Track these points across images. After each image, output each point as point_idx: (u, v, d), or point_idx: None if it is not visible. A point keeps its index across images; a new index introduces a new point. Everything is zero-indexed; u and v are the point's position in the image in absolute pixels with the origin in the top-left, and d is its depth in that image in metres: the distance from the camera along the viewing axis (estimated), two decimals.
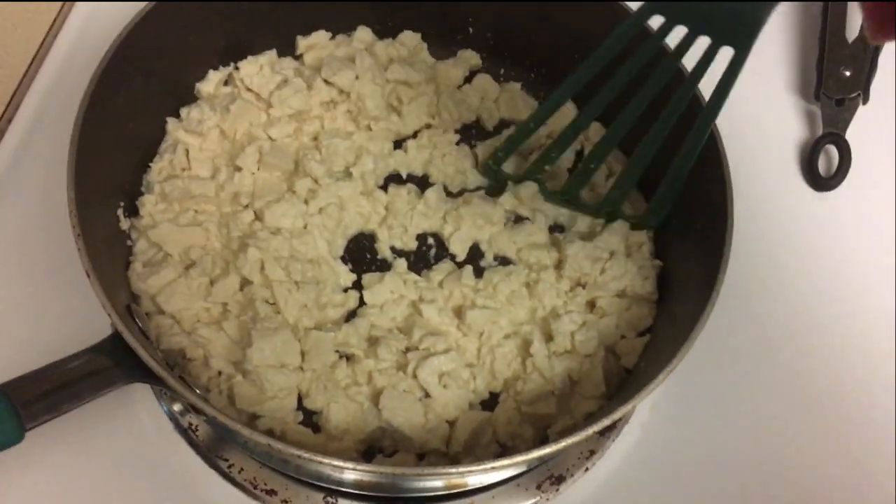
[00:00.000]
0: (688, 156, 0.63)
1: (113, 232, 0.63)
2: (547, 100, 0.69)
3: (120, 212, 0.64)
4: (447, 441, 0.60)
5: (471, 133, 0.76)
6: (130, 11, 0.63)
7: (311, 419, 0.60)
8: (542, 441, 0.61)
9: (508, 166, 0.72)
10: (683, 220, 0.66)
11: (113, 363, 0.52)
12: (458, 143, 0.74)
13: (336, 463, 0.49)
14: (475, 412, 0.61)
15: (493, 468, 0.50)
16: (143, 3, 0.63)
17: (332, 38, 0.76)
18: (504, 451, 0.60)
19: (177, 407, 0.59)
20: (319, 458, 0.49)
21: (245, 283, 0.64)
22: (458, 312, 0.65)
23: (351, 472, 0.54)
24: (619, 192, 0.68)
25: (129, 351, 0.51)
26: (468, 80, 0.78)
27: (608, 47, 0.62)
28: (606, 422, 0.52)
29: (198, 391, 0.57)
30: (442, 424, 0.60)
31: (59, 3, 0.81)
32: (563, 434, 0.57)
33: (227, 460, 0.61)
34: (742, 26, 0.54)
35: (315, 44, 0.75)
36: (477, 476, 0.58)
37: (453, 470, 0.51)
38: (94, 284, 0.52)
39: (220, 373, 0.60)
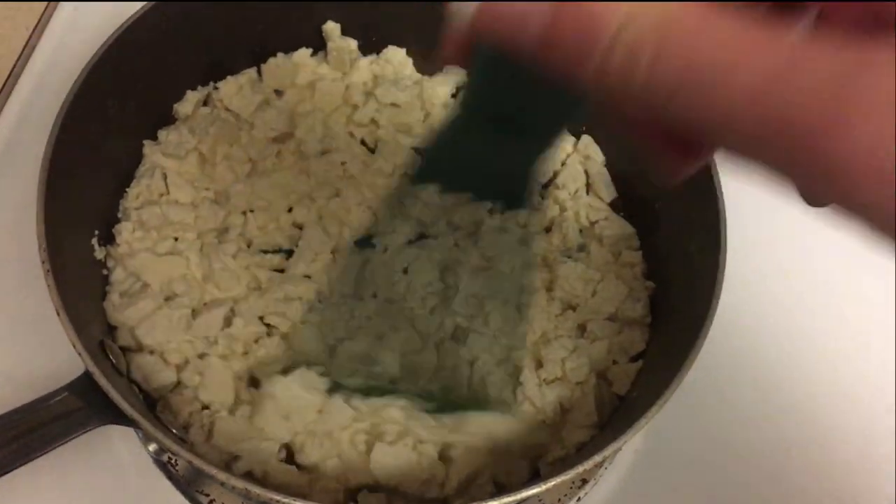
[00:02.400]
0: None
1: (87, 261, 0.61)
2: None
3: (94, 240, 0.62)
4: (442, 485, 0.58)
5: None
6: (117, 15, 0.62)
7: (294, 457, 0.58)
8: (535, 472, 0.59)
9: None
10: (676, 240, 0.64)
11: (85, 404, 0.50)
12: None
13: None
14: (472, 454, 0.59)
15: None
16: (118, 23, 0.61)
17: (314, 54, 0.74)
18: (496, 488, 0.58)
19: (152, 447, 0.57)
20: (299, 503, 0.47)
21: (230, 317, 0.62)
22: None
23: None
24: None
25: (102, 391, 0.49)
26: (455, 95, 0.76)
27: None
28: (598, 458, 0.50)
29: (175, 430, 0.55)
30: (438, 469, 0.58)
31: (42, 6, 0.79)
32: (553, 469, 0.56)
33: (207, 495, 0.59)
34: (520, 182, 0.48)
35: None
36: None
37: None
38: (64, 323, 0.50)
39: (204, 407, 0.58)
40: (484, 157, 0.43)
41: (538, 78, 0.28)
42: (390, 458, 0.57)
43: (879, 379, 0.69)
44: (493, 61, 0.31)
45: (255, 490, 0.47)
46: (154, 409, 0.58)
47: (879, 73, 0.23)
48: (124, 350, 0.60)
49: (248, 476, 0.54)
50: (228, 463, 0.55)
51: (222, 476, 0.48)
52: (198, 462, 0.48)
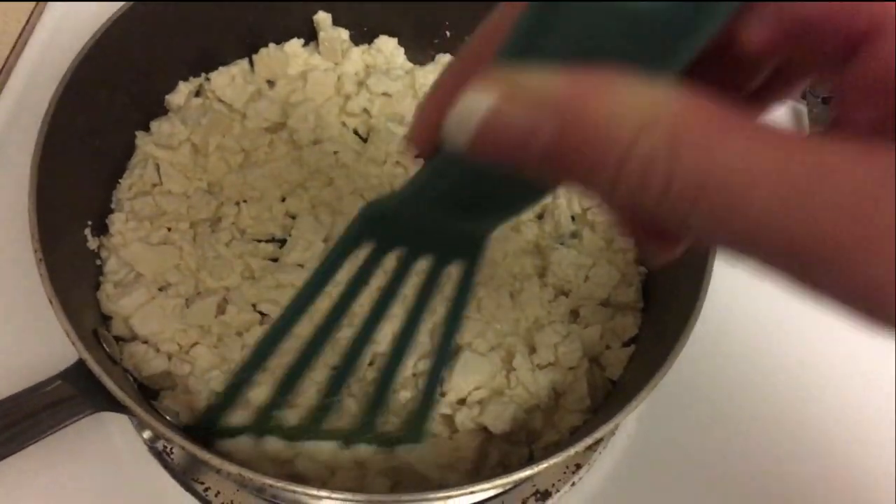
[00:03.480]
0: (434, 376, 0.54)
1: (80, 252, 0.61)
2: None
3: (88, 231, 0.62)
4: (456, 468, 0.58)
5: None
6: (105, 13, 0.62)
7: None
8: (530, 457, 0.60)
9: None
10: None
11: (78, 392, 0.51)
12: None
13: (309, 492, 0.48)
14: (472, 434, 0.59)
15: (471, 492, 0.49)
16: (108, 14, 0.61)
17: (306, 44, 0.75)
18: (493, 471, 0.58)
19: (146, 434, 0.57)
20: (292, 488, 0.48)
21: (224, 305, 0.62)
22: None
23: (328, 500, 0.53)
24: (426, 411, 0.56)
25: (95, 379, 0.49)
26: None
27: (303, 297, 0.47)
28: (588, 441, 0.51)
29: (168, 417, 0.55)
30: (454, 453, 0.58)
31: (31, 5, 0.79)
32: (546, 452, 0.56)
33: (203, 483, 0.60)
34: (471, 240, 0.42)
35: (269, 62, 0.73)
36: (459, 499, 0.57)
37: (432, 495, 0.50)
38: (57, 311, 0.50)
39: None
40: (442, 229, 0.40)
41: (511, 179, 0.26)
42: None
43: (873, 354, 0.69)
44: (462, 162, 0.28)
45: (250, 476, 0.48)
46: (154, 398, 0.59)
47: None
48: (118, 339, 0.60)
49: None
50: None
51: (216, 462, 0.48)
52: (191, 448, 0.48)
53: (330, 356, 0.53)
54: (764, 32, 0.25)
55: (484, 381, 0.61)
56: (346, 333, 0.51)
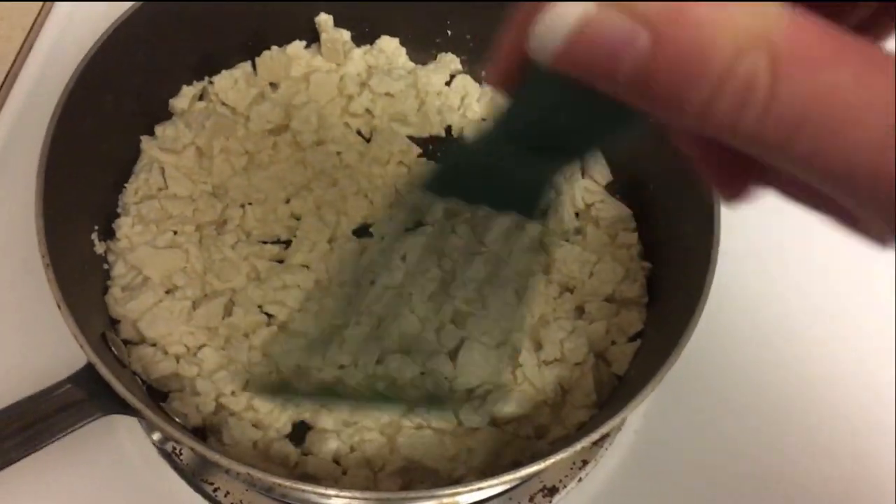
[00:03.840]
0: None
1: (87, 256, 0.62)
2: None
3: (94, 235, 0.63)
4: (467, 463, 0.58)
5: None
6: (108, 17, 0.62)
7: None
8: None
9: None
10: (669, 221, 0.65)
11: (87, 395, 0.51)
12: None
13: (318, 490, 0.48)
14: (486, 431, 0.60)
15: (479, 488, 0.49)
16: (112, 19, 0.62)
17: (308, 46, 0.75)
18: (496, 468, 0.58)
19: (156, 436, 0.57)
20: (301, 487, 0.48)
21: (230, 307, 0.63)
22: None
23: (338, 499, 0.53)
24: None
25: (104, 382, 0.50)
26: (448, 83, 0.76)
27: None
28: (594, 436, 0.51)
29: (177, 419, 0.56)
30: (462, 448, 0.59)
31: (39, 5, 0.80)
32: (553, 447, 0.56)
33: (212, 484, 0.60)
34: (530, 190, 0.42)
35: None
36: (467, 496, 0.57)
37: (439, 492, 0.50)
38: (65, 315, 0.51)
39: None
40: (506, 174, 0.39)
41: (601, 104, 0.25)
42: (417, 439, 0.58)
43: (877, 350, 0.69)
44: (550, 89, 0.28)
45: (258, 475, 0.48)
46: (162, 400, 0.59)
47: None
48: (127, 343, 0.61)
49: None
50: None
51: (225, 462, 0.48)
52: (200, 449, 0.48)
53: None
54: None
55: (490, 376, 0.61)
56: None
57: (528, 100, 0.30)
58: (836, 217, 0.27)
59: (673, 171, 0.64)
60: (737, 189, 0.29)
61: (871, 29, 0.28)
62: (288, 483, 0.48)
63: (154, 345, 0.60)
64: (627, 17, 0.22)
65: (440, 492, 0.50)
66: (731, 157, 0.28)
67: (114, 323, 0.61)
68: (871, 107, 0.21)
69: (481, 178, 0.40)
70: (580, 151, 0.37)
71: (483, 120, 0.75)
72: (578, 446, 0.50)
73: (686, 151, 0.30)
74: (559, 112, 0.28)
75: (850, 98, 0.21)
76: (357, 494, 0.49)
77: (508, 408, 0.59)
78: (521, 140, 0.34)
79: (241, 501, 0.60)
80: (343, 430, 0.58)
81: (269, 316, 0.63)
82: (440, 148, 0.73)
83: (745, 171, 0.29)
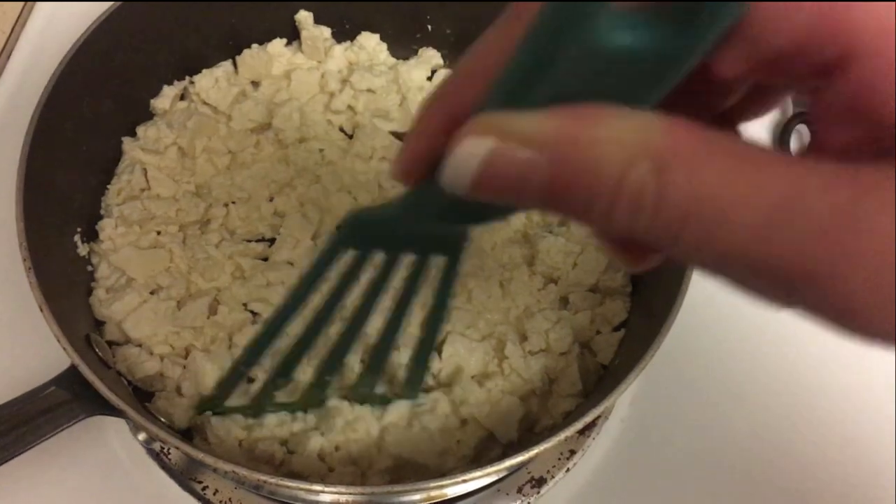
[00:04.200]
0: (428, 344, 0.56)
1: (70, 258, 0.62)
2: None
3: (77, 237, 0.63)
4: (457, 456, 0.59)
5: None
6: (88, 18, 0.62)
7: None
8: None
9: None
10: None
11: (72, 397, 0.51)
12: None
13: (304, 486, 0.49)
14: (474, 424, 0.60)
15: (464, 480, 0.49)
16: (91, 20, 0.62)
17: (288, 44, 0.75)
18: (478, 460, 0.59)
19: (142, 436, 0.58)
20: (287, 483, 0.48)
21: (215, 306, 0.63)
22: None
23: (326, 494, 0.53)
24: (419, 374, 0.58)
25: (89, 384, 0.50)
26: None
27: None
28: (579, 425, 0.51)
29: (163, 419, 0.56)
30: (451, 441, 0.58)
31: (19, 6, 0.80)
32: (539, 437, 0.56)
33: (201, 482, 0.60)
34: (454, 239, 0.45)
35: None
36: (454, 488, 0.57)
37: (426, 485, 0.50)
38: (48, 318, 0.51)
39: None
40: (422, 233, 0.42)
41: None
42: (404, 437, 0.58)
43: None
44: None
45: (244, 473, 0.48)
46: (147, 401, 0.59)
47: (877, 203, 0.22)
48: (112, 344, 0.61)
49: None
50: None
51: (210, 461, 0.48)
52: (186, 448, 0.49)
53: (322, 347, 0.54)
54: (738, 63, 0.26)
55: (477, 369, 0.61)
56: (337, 327, 0.52)
57: (431, 194, 0.32)
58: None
59: None
60: (638, 262, 0.32)
61: (741, 113, 0.31)
62: (273, 480, 0.48)
63: (139, 345, 0.60)
64: (527, 148, 0.25)
65: (426, 485, 0.51)
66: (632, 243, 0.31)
67: (98, 325, 0.61)
68: (736, 204, 0.23)
69: (403, 237, 0.42)
70: (487, 222, 0.41)
71: None
72: (563, 435, 0.51)
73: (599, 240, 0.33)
74: (461, 205, 0.29)
75: (719, 197, 0.23)
76: (343, 490, 0.49)
77: (496, 407, 0.59)
78: (427, 218, 0.36)
79: (230, 500, 0.60)
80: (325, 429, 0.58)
81: (255, 314, 0.63)
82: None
83: (643, 251, 0.32)
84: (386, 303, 0.51)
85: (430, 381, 0.60)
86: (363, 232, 0.43)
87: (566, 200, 0.26)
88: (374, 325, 0.53)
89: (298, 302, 0.48)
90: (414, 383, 0.58)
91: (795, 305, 0.25)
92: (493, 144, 0.26)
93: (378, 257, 0.46)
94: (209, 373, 0.58)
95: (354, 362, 0.59)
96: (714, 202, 0.23)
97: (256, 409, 0.57)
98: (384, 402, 0.58)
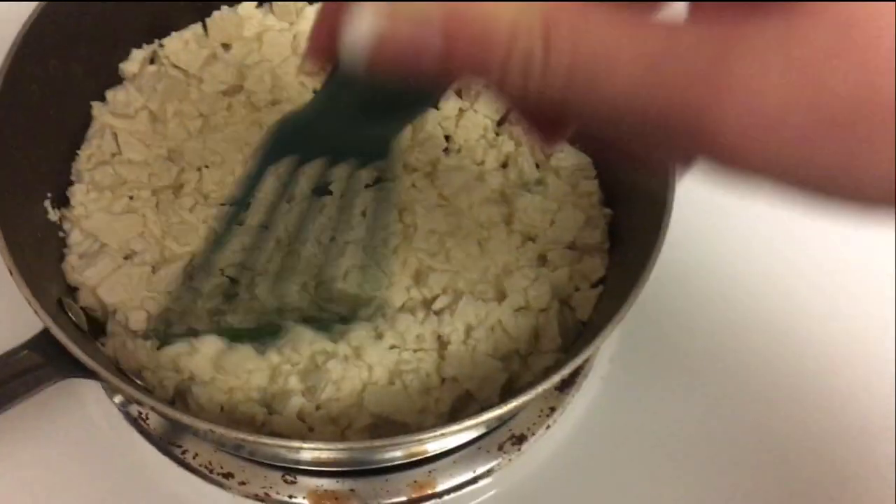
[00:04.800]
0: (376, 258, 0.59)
1: (41, 224, 0.61)
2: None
3: (48, 203, 0.62)
4: (436, 414, 0.59)
5: None
6: None
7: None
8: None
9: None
10: (629, 168, 0.65)
11: (45, 359, 0.51)
12: None
13: (283, 443, 0.49)
14: (451, 383, 0.60)
15: (442, 434, 0.49)
16: None
17: (259, 5, 0.74)
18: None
19: (117, 399, 0.57)
20: (265, 441, 0.48)
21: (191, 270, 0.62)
22: (417, 278, 0.64)
23: (306, 452, 0.53)
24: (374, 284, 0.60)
25: (62, 347, 0.49)
26: None
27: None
28: (556, 378, 0.51)
29: (138, 381, 0.55)
30: (429, 399, 0.59)
31: None
32: (518, 392, 0.56)
33: (180, 446, 0.60)
34: (383, 144, 0.47)
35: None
36: (433, 443, 0.57)
37: (405, 439, 0.50)
38: (17, 281, 0.50)
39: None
40: (347, 132, 0.43)
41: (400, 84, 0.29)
42: (383, 395, 0.58)
43: (843, 283, 0.70)
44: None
45: (221, 432, 0.48)
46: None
47: (747, 45, 0.24)
48: (87, 310, 0.60)
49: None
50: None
51: (187, 420, 0.48)
52: (161, 408, 0.48)
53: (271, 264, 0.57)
54: None
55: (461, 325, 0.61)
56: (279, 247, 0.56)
57: (343, 81, 0.34)
58: (624, 159, 0.35)
59: None
60: (550, 139, 0.37)
61: None
62: (252, 438, 0.48)
63: (115, 311, 0.60)
64: (417, 25, 0.27)
65: (405, 439, 0.51)
66: (542, 116, 0.35)
67: (72, 291, 0.61)
68: (618, 58, 0.26)
69: (323, 139, 0.44)
70: (406, 115, 0.43)
71: None
72: (540, 389, 0.51)
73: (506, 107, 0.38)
74: (374, 89, 0.32)
75: (601, 52, 0.26)
76: (321, 446, 0.49)
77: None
78: (348, 110, 0.38)
79: (210, 462, 0.60)
80: (307, 389, 0.58)
81: (231, 279, 0.62)
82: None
83: (553, 125, 0.36)
84: (324, 219, 0.55)
85: (415, 334, 0.60)
86: (293, 137, 0.44)
87: (462, 69, 0.28)
88: (316, 242, 0.55)
89: (238, 212, 0.51)
90: (368, 298, 0.59)
91: (679, 152, 0.28)
92: (382, 22, 0.27)
93: (312, 170, 0.47)
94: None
95: (300, 284, 0.59)
96: (597, 60, 0.26)
97: (211, 333, 0.57)
98: (343, 322, 0.59)
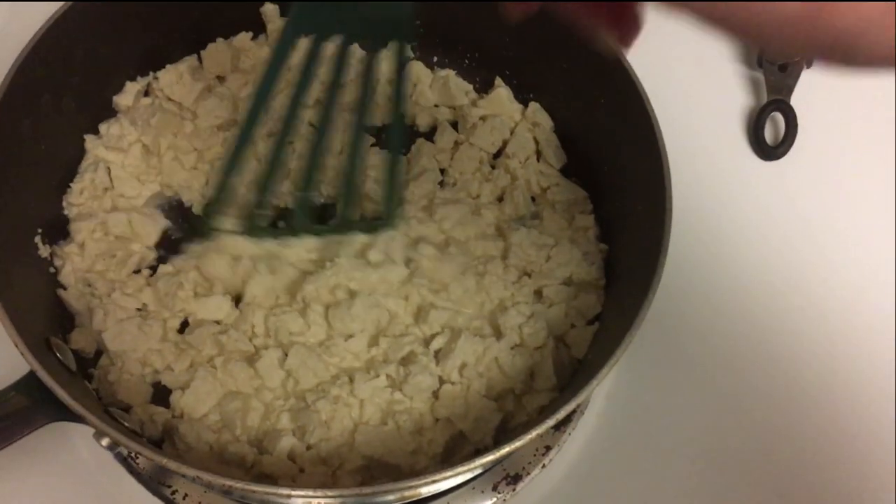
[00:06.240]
0: (395, 156, 0.63)
1: (31, 260, 0.60)
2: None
3: (38, 239, 0.61)
4: (428, 455, 0.58)
5: None
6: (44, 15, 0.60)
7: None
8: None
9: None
10: (624, 202, 0.64)
11: (32, 403, 0.50)
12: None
13: (272, 490, 0.48)
14: (444, 424, 0.59)
15: (434, 480, 0.49)
16: (47, 17, 0.60)
17: (255, 38, 0.73)
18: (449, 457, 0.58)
19: (105, 441, 0.56)
20: (252, 488, 0.47)
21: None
22: (417, 316, 0.63)
23: (296, 499, 0.52)
24: (395, 198, 0.63)
25: (49, 389, 0.49)
26: None
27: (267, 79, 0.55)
28: (551, 422, 0.50)
29: (127, 424, 0.54)
30: (422, 439, 0.58)
31: None
32: (513, 434, 0.55)
33: (170, 486, 0.59)
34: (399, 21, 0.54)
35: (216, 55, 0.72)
36: (428, 487, 0.56)
37: (398, 485, 0.49)
38: (4, 323, 0.49)
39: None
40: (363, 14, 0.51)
41: None
42: (375, 436, 0.57)
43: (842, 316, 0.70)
44: None
45: (208, 478, 0.47)
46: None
47: None
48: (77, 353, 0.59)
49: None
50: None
51: (173, 466, 0.47)
52: (147, 453, 0.47)
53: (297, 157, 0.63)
54: None
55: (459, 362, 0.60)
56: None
57: None
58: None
59: (626, 150, 0.64)
60: (623, 27, 0.36)
61: None
62: (239, 485, 0.47)
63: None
64: None
65: (396, 486, 0.50)
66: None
67: (61, 326, 0.60)
68: None
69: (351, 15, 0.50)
70: None
71: (436, 106, 0.74)
72: (535, 433, 0.50)
73: (575, 20, 0.36)
74: None
75: None
76: (310, 493, 0.48)
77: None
78: None
79: (200, 503, 0.59)
80: (297, 428, 0.57)
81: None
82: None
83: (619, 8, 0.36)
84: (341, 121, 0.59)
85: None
86: (312, 13, 0.50)
87: None
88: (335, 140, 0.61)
89: (264, 97, 0.54)
90: (388, 205, 0.62)
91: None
92: None
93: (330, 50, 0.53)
94: None
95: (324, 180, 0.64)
96: None
97: (248, 229, 0.60)
98: (370, 229, 0.63)
